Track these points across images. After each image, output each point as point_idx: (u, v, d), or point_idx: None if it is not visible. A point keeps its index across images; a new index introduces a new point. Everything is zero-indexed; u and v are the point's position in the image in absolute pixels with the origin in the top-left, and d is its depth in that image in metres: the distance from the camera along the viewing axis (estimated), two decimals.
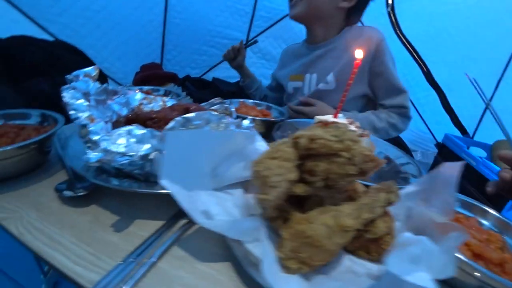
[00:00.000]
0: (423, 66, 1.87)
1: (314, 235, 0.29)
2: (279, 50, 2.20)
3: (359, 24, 1.05)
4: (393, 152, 0.66)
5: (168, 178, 0.33)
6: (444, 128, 1.97)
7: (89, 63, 1.23)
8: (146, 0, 1.78)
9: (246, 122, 0.50)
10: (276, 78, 1.27)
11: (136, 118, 0.50)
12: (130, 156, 0.39)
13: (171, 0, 1.81)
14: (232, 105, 0.82)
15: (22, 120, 0.54)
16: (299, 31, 2.14)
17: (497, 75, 1.71)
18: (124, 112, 0.57)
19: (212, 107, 0.58)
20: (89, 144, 0.40)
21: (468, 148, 1.80)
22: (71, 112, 0.42)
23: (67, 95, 0.44)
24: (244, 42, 1.93)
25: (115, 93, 0.57)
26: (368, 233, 0.32)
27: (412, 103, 2.06)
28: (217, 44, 2.11)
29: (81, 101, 0.45)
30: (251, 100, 0.95)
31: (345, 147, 0.30)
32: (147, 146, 0.41)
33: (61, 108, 0.44)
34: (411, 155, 1.82)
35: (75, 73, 0.49)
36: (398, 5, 1.82)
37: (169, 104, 0.62)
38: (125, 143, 0.40)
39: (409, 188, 0.40)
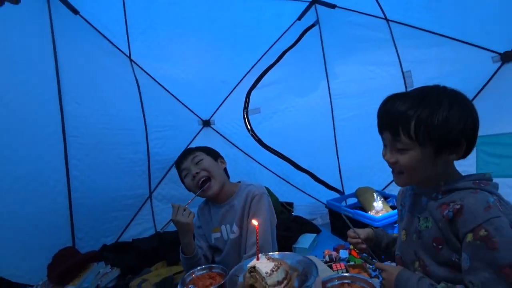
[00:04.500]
0: (290, 162, 2.61)
1: None
2: (181, 190, 2.62)
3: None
4: (299, 259, 1.08)
5: None
6: (324, 193, 2.71)
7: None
8: (47, 193, 1.94)
9: None
10: (205, 235, 1.54)
11: None
12: None
13: (73, 183, 2.02)
14: None
15: None
16: None
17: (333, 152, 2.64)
18: None
19: None
20: None
21: (346, 200, 2.55)
22: None
23: None
24: (148, 196, 2.25)
25: None
26: None
27: (296, 186, 2.78)
28: (125, 205, 2.36)
29: None
30: (199, 268, 1.14)
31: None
32: None
33: None
34: (313, 225, 2.40)
35: None
36: (257, 127, 2.60)
37: None
38: None
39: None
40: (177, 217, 1.23)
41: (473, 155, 1.68)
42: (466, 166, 0.97)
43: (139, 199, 2.43)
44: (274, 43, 2.64)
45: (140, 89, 2.42)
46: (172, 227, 2.41)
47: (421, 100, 0.80)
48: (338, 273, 1.29)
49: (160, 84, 2.54)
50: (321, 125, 2.65)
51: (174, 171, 2.64)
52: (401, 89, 2.28)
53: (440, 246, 0.81)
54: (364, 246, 1.09)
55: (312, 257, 1.10)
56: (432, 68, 2.14)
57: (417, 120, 0.78)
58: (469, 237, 0.72)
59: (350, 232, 1.12)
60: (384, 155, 0.90)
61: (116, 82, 2.30)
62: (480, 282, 0.70)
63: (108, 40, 2.22)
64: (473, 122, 0.80)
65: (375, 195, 2.18)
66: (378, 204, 2.10)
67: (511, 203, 0.79)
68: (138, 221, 2.41)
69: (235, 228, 1.44)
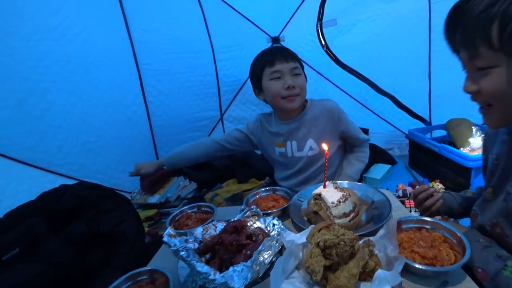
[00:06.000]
0: (370, 83, 2.30)
1: (343, 284, 0.60)
2: (250, 112, 2.63)
3: None
4: (370, 191, 0.98)
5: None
6: (406, 121, 2.39)
7: (108, 192, 1.44)
8: (131, 117, 2.14)
9: (275, 221, 0.82)
10: (259, 141, 1.53)
11: (207, 248, 0.80)
12: None
13: (150, 108, 2.19)
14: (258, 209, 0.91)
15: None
16: None
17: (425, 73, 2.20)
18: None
19: (246, 214, 0.89)
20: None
21: (431, 132, 2.20)
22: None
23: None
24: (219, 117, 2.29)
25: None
26: (366, 269, 0.64)
27: (373, 112, 2.49)
28: (198, 127, 2.50)
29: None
30: (263, 189, 1.14)
31: (341, 240, 0.62)
32: None
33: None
34: (388, 155, 2.19)
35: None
36: (332, 42, 2.29)
37: (219, 226, 0.92)
38: None
39: (378, 236, 0.71)
40: None
41: None
42: None
43: (211, 120, 2.54)
44: None
45: (202, 8, 2.28)
46: None
47: None
48: (411, 210, 1.15)
49: (223, 1, 2.34)
50: (412, 38, 2.18)
51: (243, 92, 2.63)
52: None
53: None
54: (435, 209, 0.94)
55: (385, 191, 0.99)
56: None
57: (502, 19, 0.54)
58: None
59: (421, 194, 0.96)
60: (464, 87, 0.66)
61: (177, 2, 2.20)
62: None
63: None
64: None
65: (474, 129, 1.79)
66: (476, 140, 1.73)
67: None
68: None
69: (314, 144, 1.37)
